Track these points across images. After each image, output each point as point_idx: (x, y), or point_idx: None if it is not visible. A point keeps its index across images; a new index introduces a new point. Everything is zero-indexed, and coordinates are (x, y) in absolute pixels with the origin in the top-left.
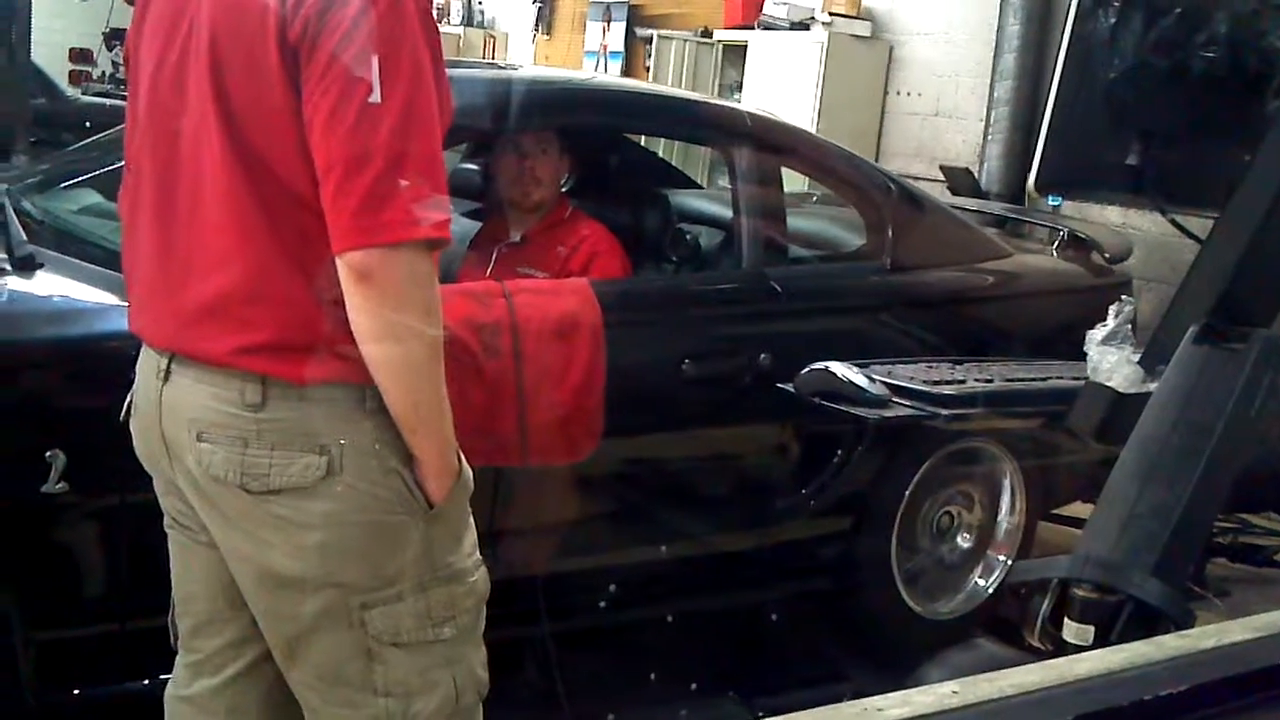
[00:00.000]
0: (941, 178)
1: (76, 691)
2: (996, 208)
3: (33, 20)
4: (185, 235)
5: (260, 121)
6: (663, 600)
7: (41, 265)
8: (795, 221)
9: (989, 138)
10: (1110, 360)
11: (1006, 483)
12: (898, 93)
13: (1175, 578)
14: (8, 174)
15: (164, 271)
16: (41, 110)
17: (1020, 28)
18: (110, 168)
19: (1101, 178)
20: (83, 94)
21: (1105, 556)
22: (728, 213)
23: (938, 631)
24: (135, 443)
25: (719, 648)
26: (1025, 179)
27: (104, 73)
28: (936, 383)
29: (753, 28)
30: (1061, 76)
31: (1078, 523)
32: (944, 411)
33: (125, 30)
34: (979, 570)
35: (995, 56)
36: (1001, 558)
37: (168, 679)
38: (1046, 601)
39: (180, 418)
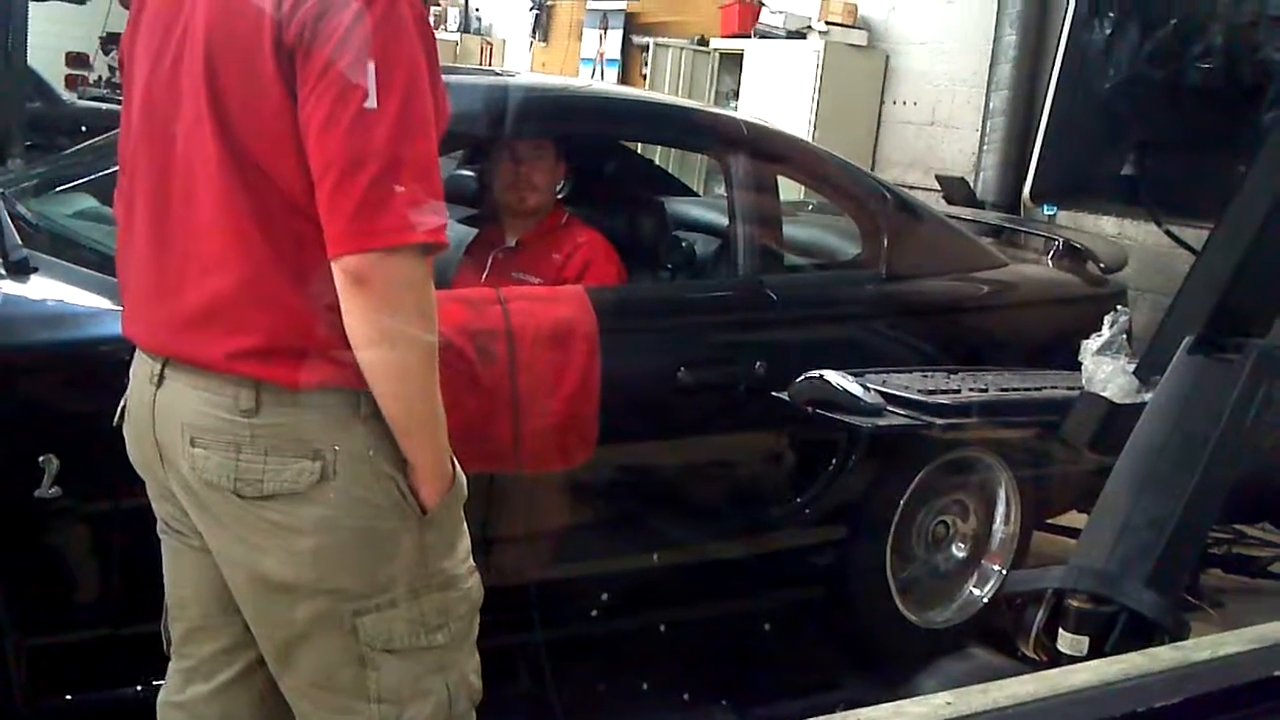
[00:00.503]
0: (937, 187)
1: (69, 697)
2: (992, 217)
3: (29, 24)
4: (180, 240)
5: (255, 126)
6: (656, 608)
7: (36, 269)
8: (791, 230)
9: (984, 147)
10: (1105, 370)
11: (1001, 492)
12: (894, 102)
13: (1170, 589)
14: (3, 178)
15: (158, 276)
16: (37, 114)
17: (1016, 38)
18: (105, 172)
19: (1097, 188)
20: (79, 98)
21: (1100, 567)
22: (724, 221)
23: (932, 641)
24: (129, 448)
25: (712, 656)
26: (1020, 189)
27: (100, 77)
28: (931, 392)
29: (749, 36)
30: (1057, 87)
31: (1072, 532)
32: (939, 421)
33: (121, 34)
34: (973, 580)
35: (991, 67)
36: (996, 567)
37: (160, 685)
38: (1041, 612)
39: (174, 422)
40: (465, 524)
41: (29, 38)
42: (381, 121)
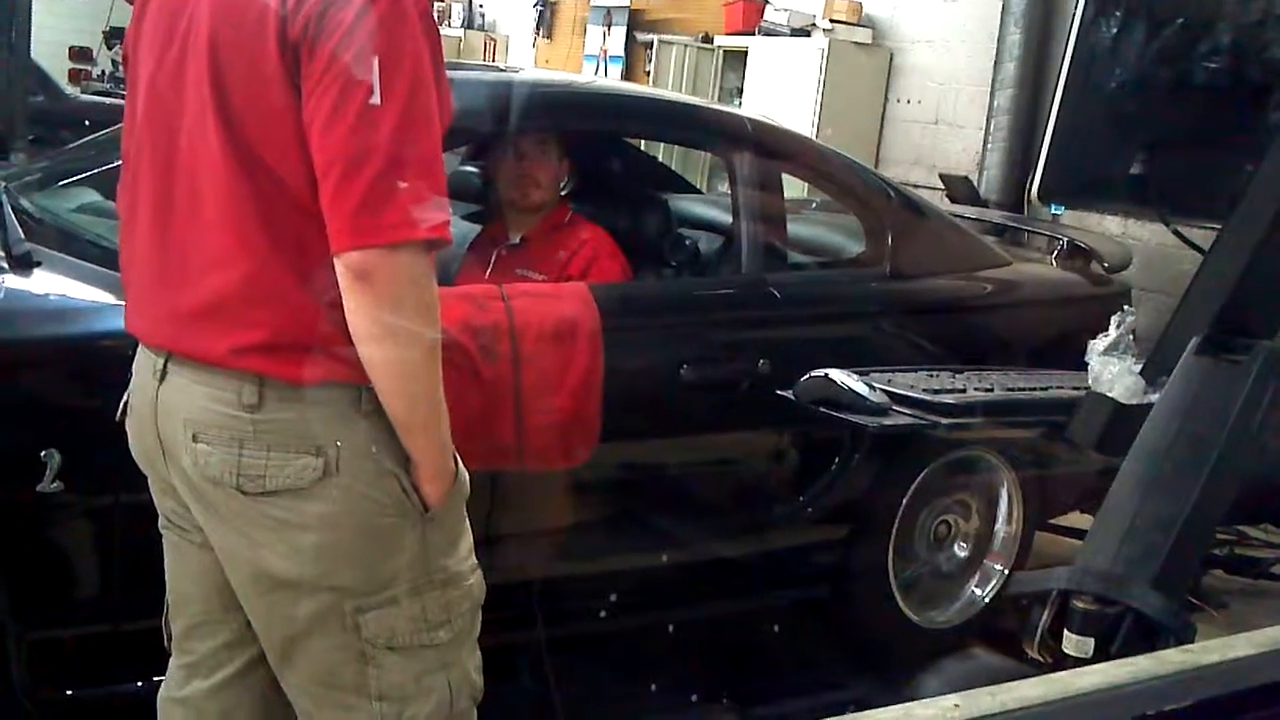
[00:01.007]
0: (941, 185)
1: (70, 692)
2: (996, 216)
3: (33, 18)
4: (183, 234)
5: (259, 121)
6: (658, 607)
7: (39, 263)
8: (795, 228)
9: (988, 146)
10: (1112, 371)
11: (1004, 492)
12: (898, 100)
13: (1176, 590)
14: (6, 172)
15: (161, 271)
16: (41, 108)
17: (1021, 36)
18: (108, 166)
19: (1104, 187)
20: (82, 92)
21: (1106, 568)
22: (727, 218)
23: (934, 640)
24: (131, 443)
25: (714, 655)
26: (1024, 187)
27: (103, 71)
28: (937, 391)
29: (753, 34)
30: (1065, 86)
31: (1074, 532)
32: (944, 420)
33: (125, 29)
34: (975, 579)
35: (995, 65)
36: (998, 567)
37: (161, 681)
38: (1046, 613)
39: (176, 418)
40: (467, 521)
41: (32, 31)
42: (385, 117)
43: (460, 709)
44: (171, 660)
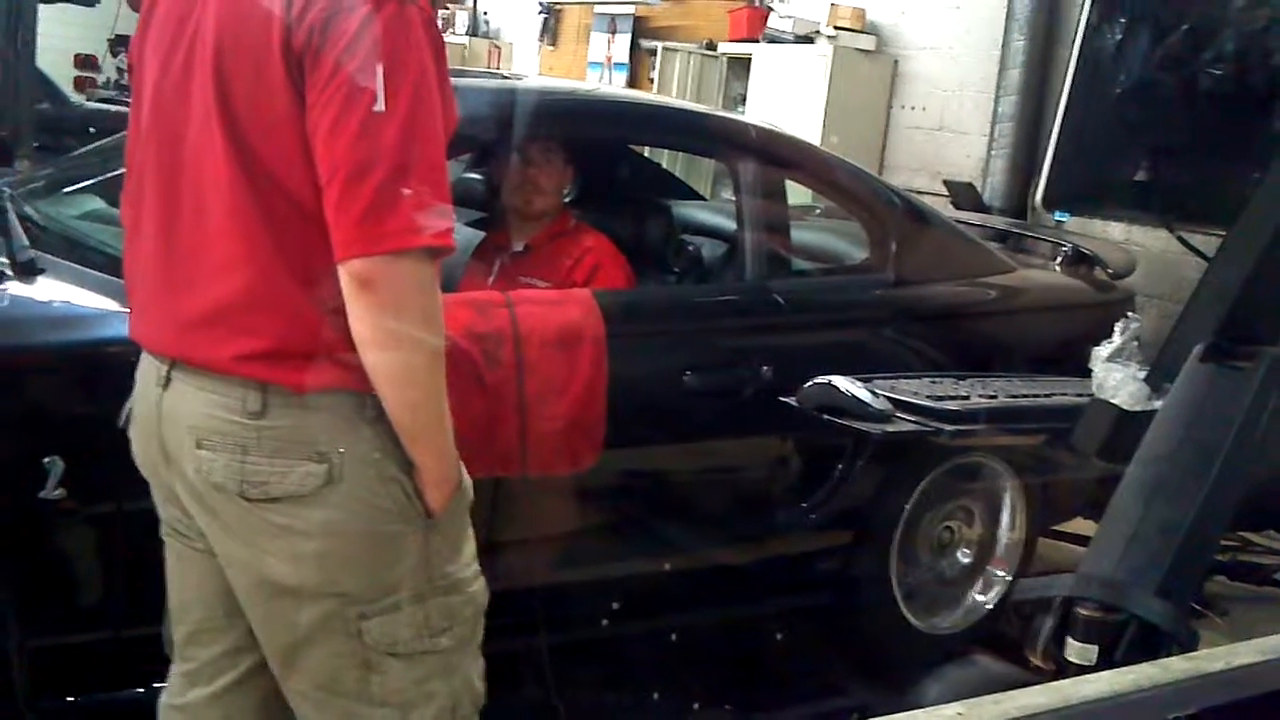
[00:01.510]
0: (945, 192)
1: (71, 699)
2: (1000, 222)
3: (38, 25)
4: (187, 242)
5: (264, 129)
6: (661, 614)
7: (43, 270)
8: (799, 234)
9: (993, 153)
10: (1116, 377)
11: (1007, 498)
12: (902, 107)
13: (1180, 598)
14: (11, 179)
15: (166, 278)
16: (46, 115)
17: (1025, 43)
18: (113, 174)
19: (1109, 194)
20: (87, 100)
21: (1109, 575)
22: (731, 225)
23: (937, 646)
24: (134, 449)
25: (717, 662)
26: (1028, 194)
27: (109, 79)
28: (940, 398)
29: (757, 41)
30: (1070, 93)
31: (1077, 539)
32: (948, 427)
33: (130, 37)
34: (978, 586)
35: (999, 72)
36: (1001, 573)
37: (162, 688)
38: (1050, 620)
39: (180, 425)
40: (471, 528)
41: (38, 39)
42: (389, 125)
43: (462, 715)
44: (172, 667)
